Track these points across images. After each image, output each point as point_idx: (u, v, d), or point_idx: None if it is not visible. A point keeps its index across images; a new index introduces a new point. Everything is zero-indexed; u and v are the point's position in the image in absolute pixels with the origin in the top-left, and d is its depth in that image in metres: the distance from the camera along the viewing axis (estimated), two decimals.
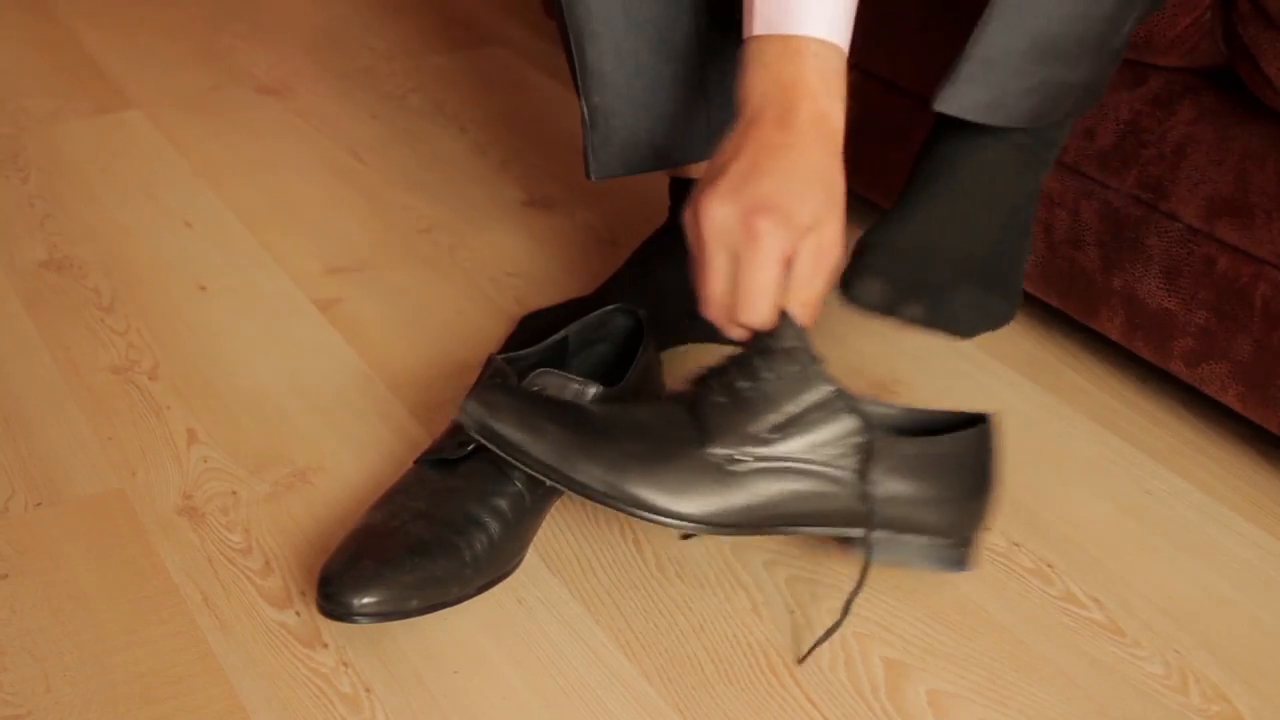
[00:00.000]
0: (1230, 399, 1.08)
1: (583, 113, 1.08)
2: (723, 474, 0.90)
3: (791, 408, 0.90)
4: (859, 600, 0.96)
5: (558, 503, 1.03)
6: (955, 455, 0.94)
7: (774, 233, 0.87)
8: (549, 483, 0.90)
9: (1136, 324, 1.14)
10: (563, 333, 1.06)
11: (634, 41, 1.06)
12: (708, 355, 1.23)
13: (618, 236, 1.44)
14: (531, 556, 0.99)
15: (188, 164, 1.59)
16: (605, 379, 1.07)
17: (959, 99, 0.95)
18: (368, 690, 0.89)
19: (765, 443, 0.90)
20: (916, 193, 1.01)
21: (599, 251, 1.41)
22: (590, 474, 0.89)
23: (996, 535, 1.03)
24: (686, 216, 0.91)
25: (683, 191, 1.22)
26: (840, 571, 0.99)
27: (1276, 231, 1.01)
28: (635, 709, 0.88)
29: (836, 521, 0.93)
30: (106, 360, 1.23)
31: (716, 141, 1.12)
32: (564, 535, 1.02)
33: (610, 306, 1.08)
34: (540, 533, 1.01)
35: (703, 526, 0.90)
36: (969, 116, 0.95)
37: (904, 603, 0.97)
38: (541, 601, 0.96)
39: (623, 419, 0.92)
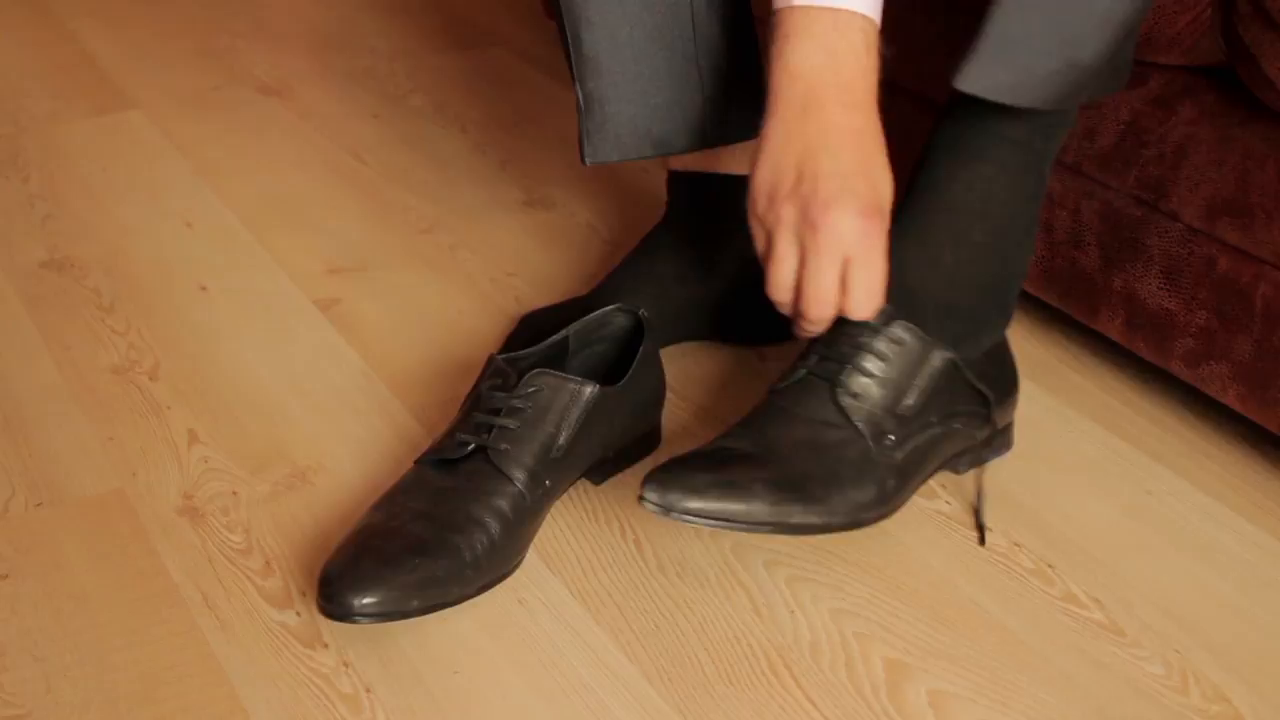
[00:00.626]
0: (1230, 399, 1.08)
1: (577, 99, 1.08)
2: (890, 457, 0.97)
3: (920, 381, 0.97)
4: (858, 600, 0.97)
5: (558, 503, 1.03)
6: (1004, 360, 1.06)
7: (882, 232, 0.93)
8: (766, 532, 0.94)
9: (1136, 324, 1.14)
10: (563, 332, 1.06)
11: (629, 28, 1.06)
12: (708, 354, 1.23)
13: (617, 236, 1.44)
14: (532, 557, 0.99)
15: (188, 164, 1.59)
16: (605, 378, 1.07)
17: (982, 78, 0.92)
18: (368, 690, 0.89)
19: (906, 413, 0.97)
20: (905, 225, 1.01)
21: (599, 251, 1.41)
22: (806, 516, 0.93)
23: (997, 535, 1.03)
24: (768, 215, 0.95)
25: (681, 185, 1.22)
26: (841, 571, 0.99)
27: (1276, 231, 1.01)
28: (635, 709, 0.88)
29: (954, 452, 1.03)
30: (107, 360, 1.23)
31: (711, 129, 1.12)
32: (564, 535, 1.02)
33: (610, 306, 1.08)
34: (540, 533, 1.01)
35: (890, 511, 0.98)
36: (992, 96, 0.93)
37: (904, 603, 0.97)
38: (542, 602, 0.96)
39: (781, 444, 0.96)
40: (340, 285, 1.35)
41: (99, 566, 0.99)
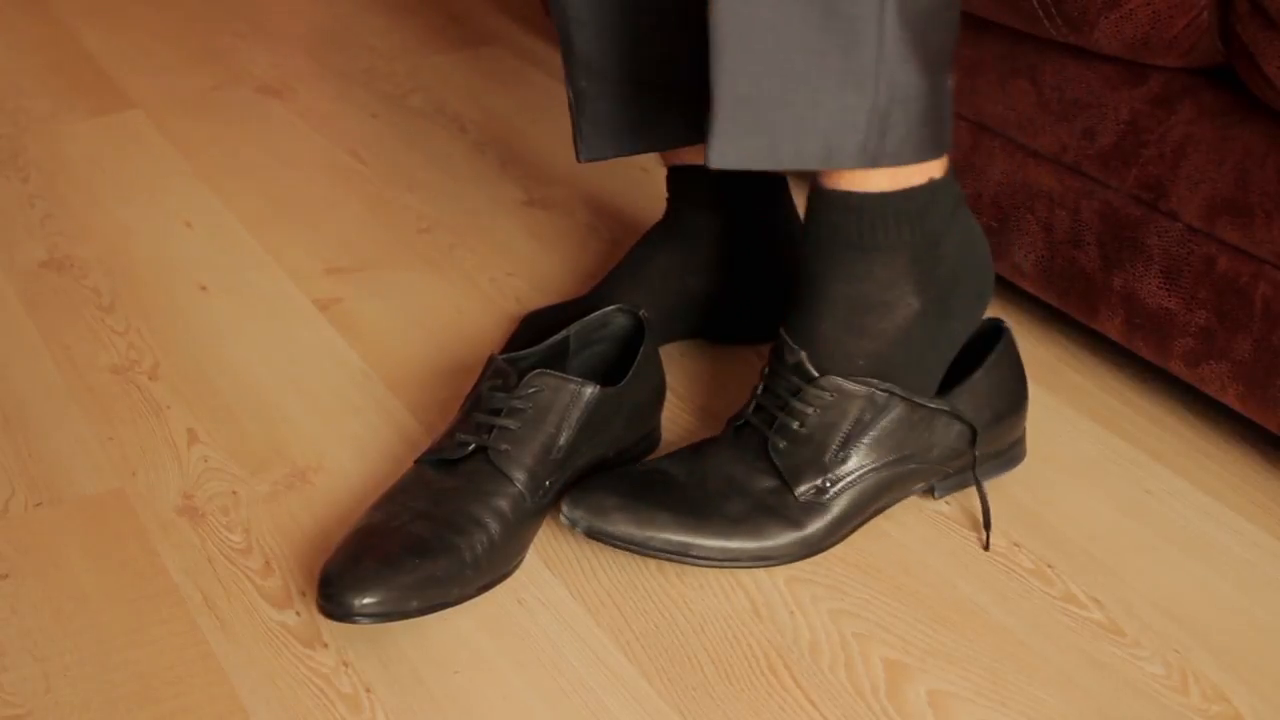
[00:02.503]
0: (1230, 399, 1.08)
1: (569, 97, 1.09)
2: (818, 506, 0.98)
3: (846, 426, 0.98)
4: (858, 600, 0.97)
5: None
6: (1003, 374, 1.04)
7: None
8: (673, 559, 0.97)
9: (1136, 324, 1.14)
10: (563, 333, 1.06)
11: (620, 27, 1.07)
12: (708, 354, 1.23)
13: (618, 236, 1.44)
14: (532, 557, 0.99)
15: (188, 164, 1.59)
16: (605, 379, 1.07)
17: (731, 150, 0.87)
18: (368, 690, 0.89)
19: (841, 462, 0.98)
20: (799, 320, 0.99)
21: (599, 251, 1.41)
22: (708, 549, 0.96)
23: (997, 535, 1.03)
24: None
25: (681, 179, 1.22)
26: (840, 572, 0.99)
27: (1276, 231, 1.01)
28: (635, 709, 0.88)
29: (919, 485, 1.03)
30: (106, 360, 1.23)
31: (706, 124, 1.13)
32: (564, 536, 1.02)
33: (611, 306, 1.08)
34: (540, 533, 1.01)
35: (814, 553, 0.99)
36: (751, 166, 0.89)
37: (904, 603, 0.97)
38: (542, 602, 0.96)
39: (710, 478, 0.99)
40: (340, 285, 1.35)
41: (99, 566, 0.99)
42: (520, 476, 0.95)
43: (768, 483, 0.98)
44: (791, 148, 0.88)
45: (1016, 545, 1.02)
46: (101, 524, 1.03)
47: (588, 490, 0.97)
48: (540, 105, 1.75)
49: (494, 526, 0.94)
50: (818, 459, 0.97)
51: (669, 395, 1.14)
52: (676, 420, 1.15)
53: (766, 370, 1.01)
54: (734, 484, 0.98)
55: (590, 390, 0.98)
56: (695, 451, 1.01)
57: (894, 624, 0.95)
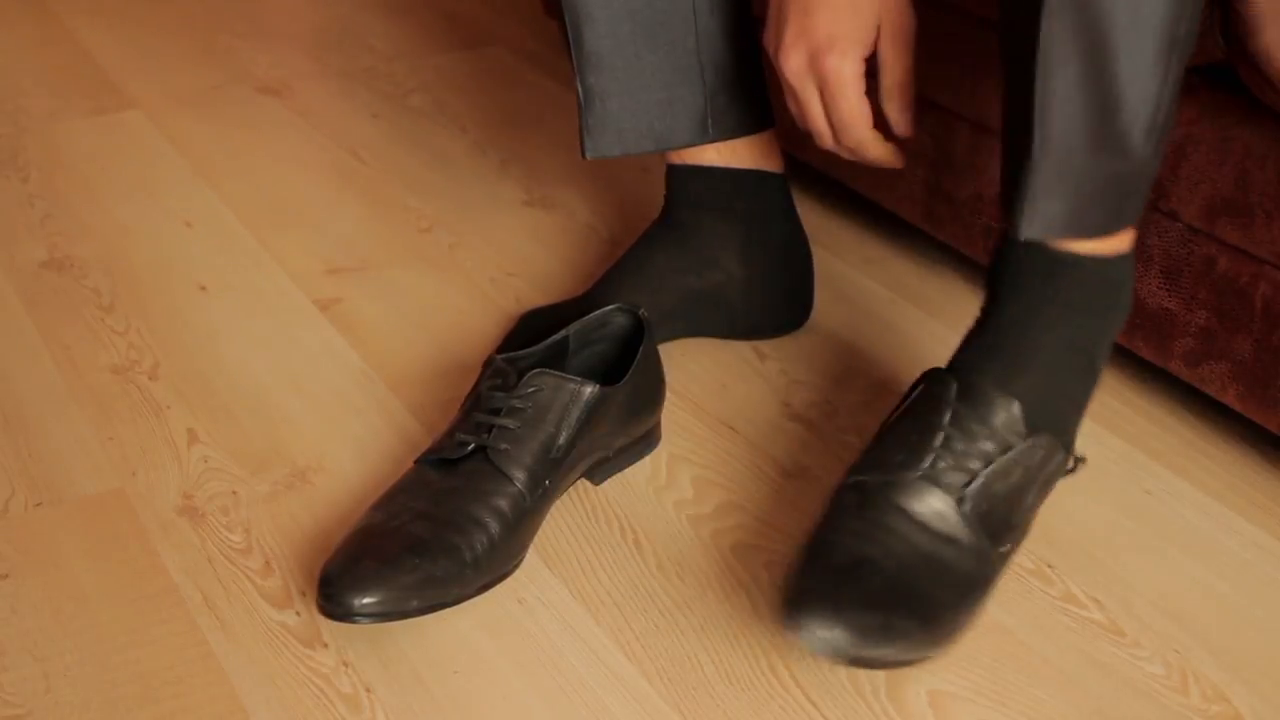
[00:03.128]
0: (1230, 399, 1.08)
1: (578, 94, 1.09)
2: (1001, 559, 0.91)
3: (1039, 485, 0.93)
4: None
5: (558, 503, 1.03)
6: None
7: (842, 64, 0.95)
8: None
9: (1136, 324, 1.14)
10: (563, 332, 1.06)
11: (630, 25, 1.07)
12: (708, 354, 1.23)
13: (617, 236, 1.44)
14: (532, 556, 0.99)
15: (188, 164, 1.59)
16: (605, 378, 1.07)
17: (1041, 218, 0.86)
18: (368, 690, 0.89)
19: (1028, 513, 0.93)
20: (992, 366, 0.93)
21: (599, 251, 1.41)
22: (932, 651, 0.86)
23: None
24: (768, 50, 1.00)
25: (680, 178, 1.22)
26: None
27: (1276, 231, 1.01)
28: (635, 709, 0.88)
29: None
30: (106, 360, 1.23)
31: (712, 124, 1.13)
32: (564, 535, 1.02)
33: (610, 306, 1.08)
34: (540, 533, 1.01)
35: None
36: (1054, 234, 0.88)
37: None
38: (542, 601, 0.96)
39: (910, 560, 0.86)
40: (340, 285, 1.35)
41: (99, 566, 0.99)
42: (520, 476, 0.95)
43: (963, 554, 0.88)
44: (1088, 220, 0.88)
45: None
46: (101, 524, 1.03)
47: (819, 606, 0.82)
48: (540, 105, 1.75)
49: (494, 526, 0.94)
50: (1010, 515, 0.91)
51: (669, 395, 1.14)
52: (676, 420, 1.15)
53: (949, 421, 0.90)
54: (935, 564, 0.87)
55: (590, 389, 0.98)
56: (864, 515, 0.89)
57: None
